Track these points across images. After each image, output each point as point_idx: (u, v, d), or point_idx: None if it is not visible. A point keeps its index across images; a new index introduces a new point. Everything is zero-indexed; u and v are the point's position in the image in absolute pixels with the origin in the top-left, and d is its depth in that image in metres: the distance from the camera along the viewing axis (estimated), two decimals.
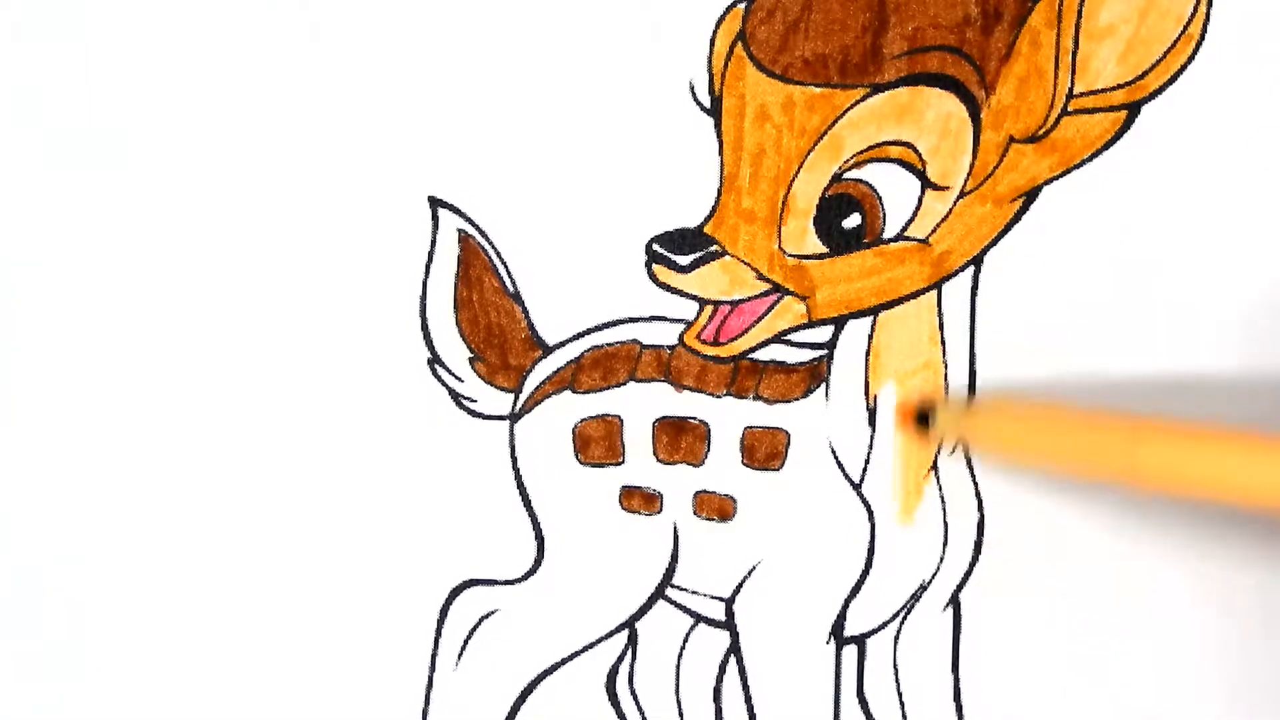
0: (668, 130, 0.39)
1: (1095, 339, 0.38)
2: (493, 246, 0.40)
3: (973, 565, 0.39)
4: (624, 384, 0.40)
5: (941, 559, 0.39)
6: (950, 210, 0.37)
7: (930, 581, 0.39)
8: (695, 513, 0.40)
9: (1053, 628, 0.39)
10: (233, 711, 0.42)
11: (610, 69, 0.39)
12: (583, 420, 0.40)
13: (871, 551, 0.39)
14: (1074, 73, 0.36)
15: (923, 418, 0.38)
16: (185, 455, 0.41)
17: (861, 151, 0.37)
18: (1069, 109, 0.37)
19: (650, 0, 0.39)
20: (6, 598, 0.42)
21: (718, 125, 0.38)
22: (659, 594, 0.40)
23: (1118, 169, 0.37)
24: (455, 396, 0.41)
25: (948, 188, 0.37)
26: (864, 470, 0.39)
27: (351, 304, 0.41)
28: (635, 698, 0.41)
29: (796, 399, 0.39)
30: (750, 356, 0.39)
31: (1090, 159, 0.37)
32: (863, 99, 0.37)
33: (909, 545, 0.39)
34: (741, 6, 0.38)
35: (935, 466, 0.39)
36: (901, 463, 0.39)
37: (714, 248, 0.39)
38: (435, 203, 0.40)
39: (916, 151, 0.37)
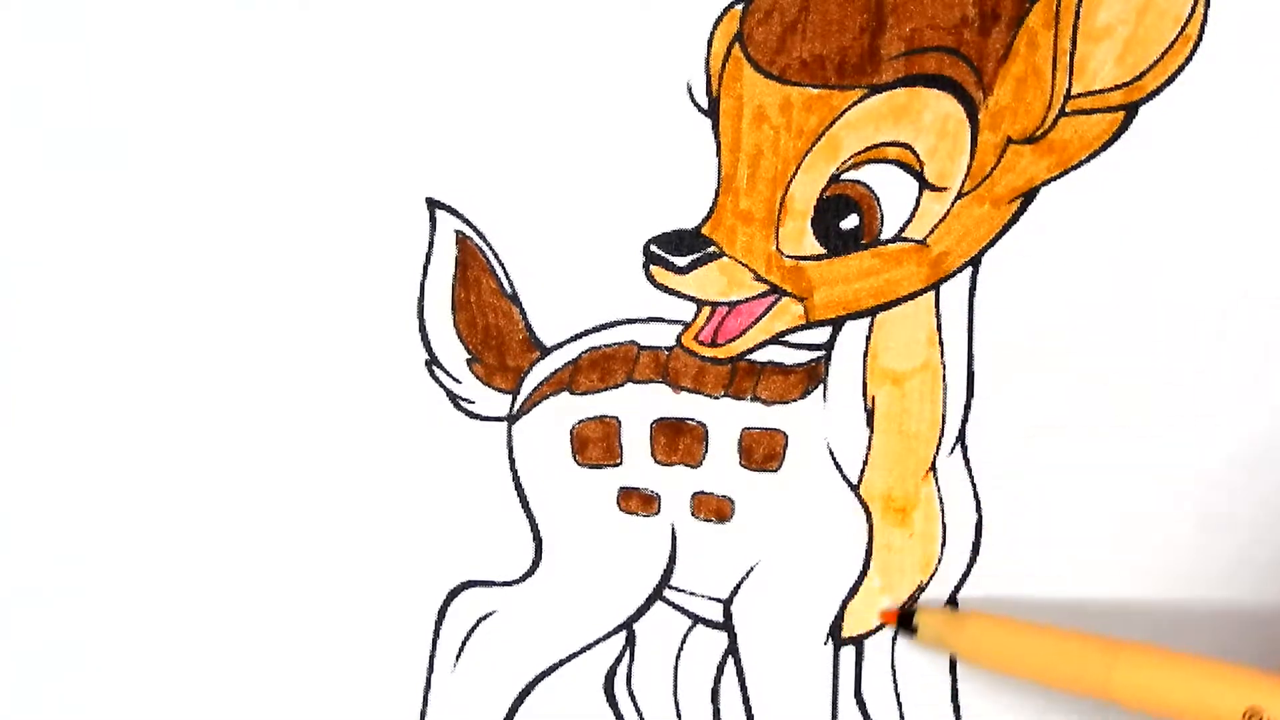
0: (665, 131, 0.39)
1: (1093, 340, 0.38)
2: (490, 248, 0.40)
3: (970, 566, 0.39)
4: (622, 385, 0.40)
5: (940, 559, 0.39)
6: (948, 211, 0.37)
7: (928, 582, 0.39)
8: (693, 514, 0.40)
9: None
10: (232, 712, 0.42)
11: (608, 70, 0.39)
12: (581, 421, 0.40)
13: (869, 552, 0.39)
14: (1071, 73, 0.36)
15: (906, 619, 0.38)
16: (184, 456, 0.42)
17: (859, 152, 0.37)
18: (1067, 110, 0.36)
19: (649, 0, 0.39)
20: (6, 598, 0.42)
21: (715, 126, 0.38)
22: (657, 595, 0.40)
23: (1115, 170, 0.37)
24: (453, 398, 0.41)
25: (945, 189, 0.37)
26: (861, 471, 0.39)
27: (349, 305, 0.41)
28: (633, 699, 0.41)
29: (794, 400, 0.39)
30: (748, 357, 0.39)
31: (1088, 160, 0.37)
32: (860, 100, 0.37)
33: (907, 546, 0.39)
34: (739, 7, 0.38)
35: (934, 467, 0.39)
36: (899, 464, 0.39)
37: (712, 249, 0.39)
38: (432, 204, 0.40)
39: (914, 152, 0.37)
